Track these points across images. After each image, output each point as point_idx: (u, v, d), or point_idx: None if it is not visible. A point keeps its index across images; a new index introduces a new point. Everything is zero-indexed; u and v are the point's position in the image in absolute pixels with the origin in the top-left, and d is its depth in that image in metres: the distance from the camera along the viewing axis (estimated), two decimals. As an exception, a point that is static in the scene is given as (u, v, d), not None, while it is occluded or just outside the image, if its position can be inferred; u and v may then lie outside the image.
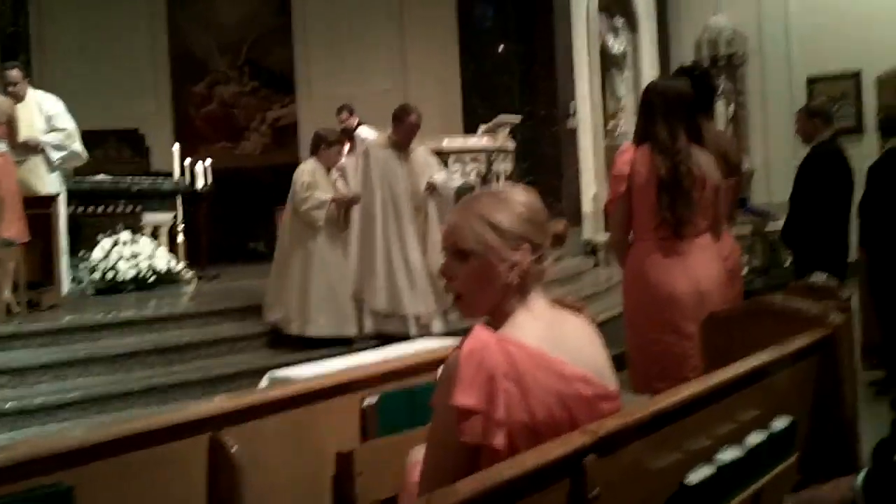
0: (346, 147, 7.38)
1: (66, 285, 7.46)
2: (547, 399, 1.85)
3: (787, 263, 10.71)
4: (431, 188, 7.13)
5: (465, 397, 1.82)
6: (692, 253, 3.86)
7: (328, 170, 6.80)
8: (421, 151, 7.34)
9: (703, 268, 3.86)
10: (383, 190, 6.98)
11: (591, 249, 11.70)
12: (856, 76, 13.43)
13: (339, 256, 6.72)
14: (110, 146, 12.23)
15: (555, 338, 1.94)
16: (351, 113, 10.82)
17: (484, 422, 1.81)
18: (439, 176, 7.27)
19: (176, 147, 10.14)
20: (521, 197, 2.02)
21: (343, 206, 6.71)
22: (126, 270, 7.93)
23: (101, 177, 9.02)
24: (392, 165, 7.05)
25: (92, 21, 14.65)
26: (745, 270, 8.49)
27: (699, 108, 4.34)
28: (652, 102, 3.94)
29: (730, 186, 4.42)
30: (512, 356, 1.85)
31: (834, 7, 13.32)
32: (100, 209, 8.59)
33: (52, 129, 7.51)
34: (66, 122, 7.62)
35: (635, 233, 3.98)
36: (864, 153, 6.88)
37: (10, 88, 7.33)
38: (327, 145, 6.75)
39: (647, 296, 3.89)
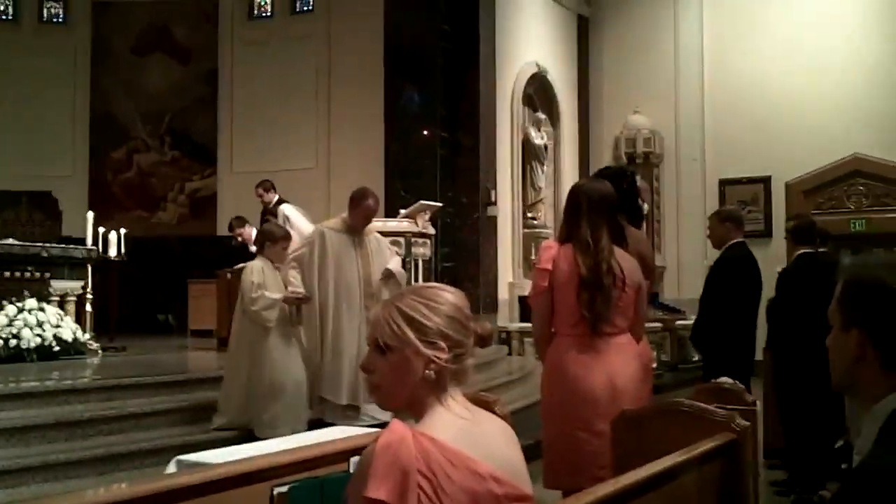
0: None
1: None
2: (460, 497, 1.87)
3: (696, 359, 10.98)
4: (388, 275, 6.86)
5: (378, 490, 1.82)
6: (609, 351, 3.93)
7: (276, 266, 6.56)
8: (375, 237, 7.11)
9: (619, 366, 3.93)
10: (337, 276, 6.75)
11: (506, 337, 11.80)
12: (766, 181, 14.02)
13: (291, 353, 6.45)
14: (22, 208, 11.98)
15: (471, 435, 1.97)
16: (268, 189, 10.68)
17: None
18: (394, 263, 7.01)
19: (90, 214, 9.97)
20: (445, 295, 2.06)
21: (295, 304, 6.50)
22: (30, 339, 7.69)
23: (10, 241, 8.79)
24: (347, 250, 6.82)
25: (12, 77, 14.45)
26: (654, 365, 8.67)
27: (626, 211, 4.47)
28: (578, 203, 4.03)
29: (646, 287, 4.55)
30: (427, 452, 1.87)
31: (747, 114, 13.99)
32: (7, 273, 8.35)
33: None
34: None
35: (556, 328, 4.04)
36: (771, 256, 7.16)
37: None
38: (273, 242, 6.55)
39: (564, 391, 3.94)
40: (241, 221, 10.59)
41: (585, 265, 3.90)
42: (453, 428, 1.96)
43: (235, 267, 9.75)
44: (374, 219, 10.38)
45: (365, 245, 6.91)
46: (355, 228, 6.85)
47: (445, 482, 1.86)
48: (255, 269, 6.41)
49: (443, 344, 2.00)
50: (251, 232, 10.25)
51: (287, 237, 6.77)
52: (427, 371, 1.99)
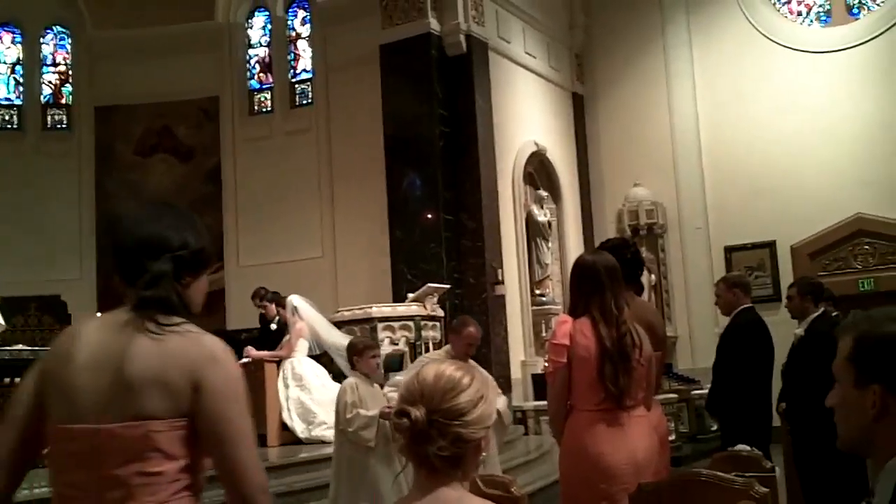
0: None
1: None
2: None
3: (714, 428, 10.87)
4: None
5: None
6: (631, 425, 3.90)
7: (370, 378, 6.24)
8: (479, 371, 6.71)
9: (640, 439, 3.90)
10: None
11: (521, 416, 11.72)
12: (771, 246, 14.08)
13: (389, 474, 5.96)
14: (31, 313, 12.04)
15: None
16: (262, 297, 10.22)
17: None
18: (501, 402, 6.43)
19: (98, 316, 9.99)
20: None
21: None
22: (47, 443, 7.67)
23: (20, 346, 8.83)
24: None
25: (18, 184, 14.67)
26: (672, 437, 8.60)
27: (630, 281, 4.50)
28: (589, 276, 4.02)
29: (657, 358, 4.53)
30: None
31: (748, 180, 14.11)
32: (17, 380, 8.36)
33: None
34: None
35: (573, 404, 3.99)
36: (781, 321, 7.14)
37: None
38: (359, 355, 6.24)
39: (585, 467, 3.88)
40: (261, 295, 10.27)
41: (610, 338, 3.88)
42: None
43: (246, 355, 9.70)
44: (383, 304, 10.55)
45: None
46: (459, 358, 6.31)
47: None
48: (349, 388, 6.07)
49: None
50: (272, 308, 10.04)
51: (372, 346, 6.47)
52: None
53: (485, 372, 6.93)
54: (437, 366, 2.06)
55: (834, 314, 6.54)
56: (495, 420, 5.76)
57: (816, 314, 6.22)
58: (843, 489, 5.69)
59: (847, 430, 1.67)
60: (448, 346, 6.63)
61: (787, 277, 12.96)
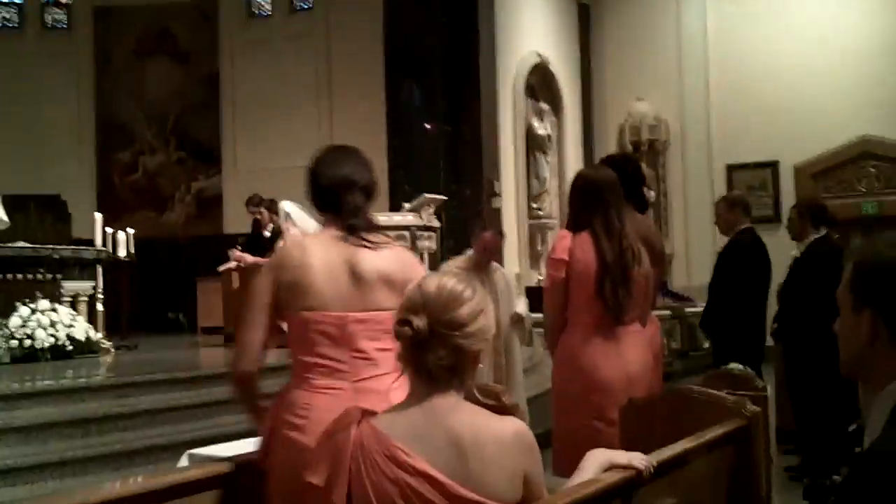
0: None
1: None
2: (384, 484, 2.00)
3: (706, 346, 10.98)
4: (517, 319, 6.44)
5: (313, 475, 2.09)
6: (626, 340, 3.90)
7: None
8: (502, 274, 6.67)
9: (634, 355, 3.91)
10: None
11: (515, 328, 11.80)
12: (774, 165, 13.95)
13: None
14: (31, 212, 12.04)
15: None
16: (257, 204, 10.14)
17: None
18: (522, 305, 6.55)
19: (98, 216, 10.04)
20: None
21: None
22: (44, 339, 7.77)
23: (21, 244, 8.87)
24: None
25: (18, 83, 14.56)
26: (664, 353, 8.68)
27: (630, 197, 4.43)
28: (592, 191, 3.97)
29: (654, 274, 4.47)
30: (361, 439, 2.05)
31: (754, 98, 13.87)
32: (19, 276, 8.43)
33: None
34: None
35: (569, 317, 3.99)
36: (780, 242, 7.12)
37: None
38: None
39: (578, 381, 3.90)
40: (261, 201, 10.20)
41: (612, 252, 3.85)
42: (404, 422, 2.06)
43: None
44: (379, 213, 10.54)
45: (493, 284, 6.45)
46: (480, 265, 6.41)
47: (372, 468, 2.00)
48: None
49: None
50: (266, 216, 9.98)
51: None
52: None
53: (508, 275, 6.97)
54: (439, 277, 2.12)
55: (834, 237, 6.50)
56: (518, 319, 5.76)
57: (816, 236, 6.17)
58: (834, 411, 5.74)
59: (845, 355, 1.69)
60: (471, 252, 6.60)
61: (788, 198, 12.91)
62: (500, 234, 6.76)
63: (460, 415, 2.06)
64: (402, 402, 2.11)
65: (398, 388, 2.34)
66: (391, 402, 2.33)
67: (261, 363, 2.81)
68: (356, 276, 2.66)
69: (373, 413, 2.11)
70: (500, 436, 2.04)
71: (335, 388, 2.63)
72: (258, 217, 10.28)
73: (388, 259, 2.71)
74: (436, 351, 2.02)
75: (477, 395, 2.17)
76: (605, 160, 4.87)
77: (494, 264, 6.67)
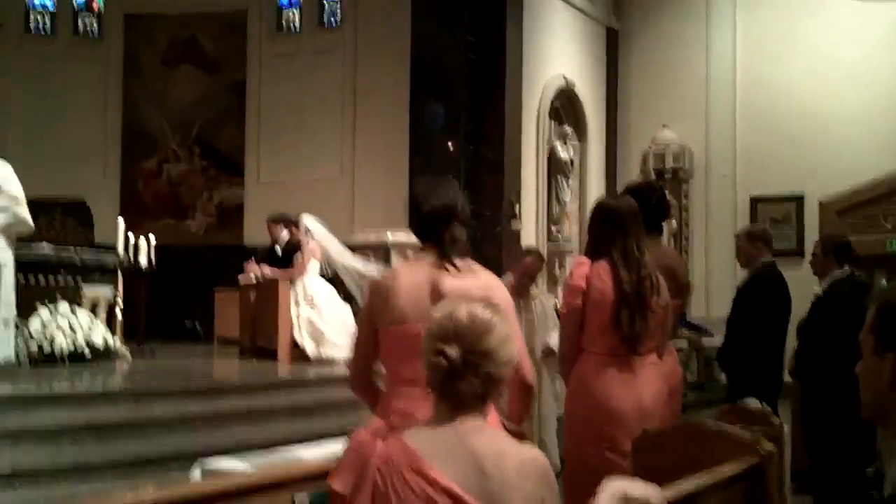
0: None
1: (8, 351, 7.36)
2: (409, 497, 2.01)
3: (722, 378, 10.88)
4: (548, 353, 6.28)
5: (337, 482, 2.08)
6: (641, 371, 3.89)
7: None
8: (540, 300, 6.60)
9: (648, 386, 3.90)
10: None
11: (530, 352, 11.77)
12: (799, 199, 13.74)
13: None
14: (55, 216, 12.13)
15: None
16: (277, 222, 10.22)
17: None
18: (555, 337, 6.06)
19: (121, 221, 10.13)
20: None
21: None
22: (62, 343, 7.82)
23: (44, 245, 8.95)
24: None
25: (47, 88, 14.73)
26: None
27: (653, 227, 4.44)
28: (611, 219, 3.97)
29: (676, 305, 4.45)
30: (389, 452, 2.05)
31: (781, 130, 13.72)
32: (41, 279, 8.50)
33: (-1, 193, 7.47)
34: (14, 186, 7.53)
35: (585, 346, 3.98)
36: (803, 277, 7.05)
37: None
38: None
39: (591, 409, 3.88)
40: (275, 219, 10.31)
41: (629, 281, 3.84)
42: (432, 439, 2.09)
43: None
44: (398, 230, 10.56)
45: (531, 310, 6.44)
46: (519, 291, 6.34)
47: (399, 482, 2.02)
48: None
49: None
50: (282, 232, 10.08)
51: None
52: None
53: (547, 304, 6.89)
54: (469, 306, 2.14)
55: (857, 274, 6.42)
56: (549, 353, 5.69)
57: (838, 274, 6.10)
58: (850, 453, 5.66)
59: (866, 398, 1.67)
60: (511, 278, 6.56)
61: (812, 233, 12.66)
62: (540, 260, 6.71)
63: (484, 438, 2.10)
64: (429, 421, 2.14)
65: None
66: None
67: (372, 370, 3.24)
68: (437, 295, 2.92)
69: (397, 428, 2.15)
70: (522, 461, 2.08)
71: (415, 396, 2.82)
72: (272, 231, 10.43)
73: (469, 280, 3.03)
74: (468, 379, 2.07)
75: (501, 419, 2.22)
76: (629, 188, 4.85)
77: (535, 290, 6.60)
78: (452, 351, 2.06)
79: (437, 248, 3.06)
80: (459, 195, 3.22)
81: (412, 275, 3.04)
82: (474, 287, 2.98)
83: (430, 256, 3.06)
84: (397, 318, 2.97)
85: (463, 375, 2.07)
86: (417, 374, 2.76)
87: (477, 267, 3.15)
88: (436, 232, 3.07)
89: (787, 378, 6.50)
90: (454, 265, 3.03)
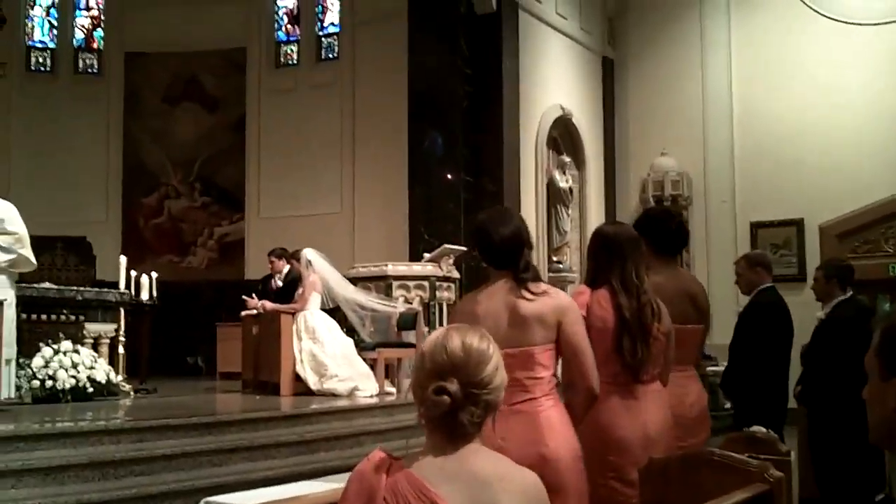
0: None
1: (9, 391, 7.35)
2: None
3: (727, 406, 10.80)
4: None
5: None
6: (645, 399, 3.86)
7: None
8: None
9: (653, 414, 3.86)
10: None
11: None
12: (799, 224, 13.74)
13: None
14: (57, 253, 12.18)
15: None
16: (279, 257, 10.76)
17: None
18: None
19: (123, 259, 10.16)
20: None
21: None
22: (65, 380, 7.82)
23: (46, 285, 8.98)
24: None
25: (49, 126, 14.85)
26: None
27: (671, 252, 4.45)
28: (610, 247, 3.94)
29: (697, 331, 4.43)
30: (396, 481, 2.05)
31: (779, 155, 13.77)
32: (43, 317, 8.52)
33: (3, 233, 7.50)
34: (18, 226, 7.59)
35: None
36: (804, 302, 7.04)
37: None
38: None
39: (595, 438, 3.80)
40: (278, 255, 10.70)
41: (630, 308, 3.80)
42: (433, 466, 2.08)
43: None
44: (399, 263, 10.59)
45: None
46: None
47: None
48: None
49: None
50: (282, 265, 10.45)
51: None
52: None
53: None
54: (460, 336, 2.12)
55: (860, 299, 6.40)
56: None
57: (841, 298, 6.10)
58: (859, 479, 5.62)
59: (873, 422, 1.66)
60: None
61: (813, 257, 12.68)
62: None
63: (484, 460, 2.10)
64: (429, 449, 2.13)
65: (545, 410, 3.22)
66: (541, 422, 3.21)
67: None
68: (515, 318, 3.23)
69: (398, 458, 2.14)
70: (524, 484, 2.10)
71: None
72: (270, 265, 10.51)
73: (545, 303, 3.28)
74: (468, 410, 2.07)
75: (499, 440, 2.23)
76: (649, 214, 4.82)
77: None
78: (453, 386, 2.05)
79: (512, 275, 3.31)
80: (523, 222, 3.46)
81: (490, 301, 3.29)
82: (548, 309, 3.27)
83: (506, 282, 3.31)
84: None
85: (464, 407, 2.06)
86: None
87: (551, 289, 3.39)
88: (510, 259, 3.33)
89: (792, 403, 6.48)
90: (529, 290, 3.27)
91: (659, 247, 4.42)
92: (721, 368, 7.79)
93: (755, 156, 14.10)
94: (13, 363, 7.45)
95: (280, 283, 10.40)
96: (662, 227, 4.27)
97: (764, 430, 3.71)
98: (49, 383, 7.78)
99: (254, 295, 10.09)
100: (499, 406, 2.13)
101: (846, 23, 13.80)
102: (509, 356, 2.96)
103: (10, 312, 7.42)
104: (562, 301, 3.38)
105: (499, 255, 3.37)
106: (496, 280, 3.36)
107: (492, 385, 2.09)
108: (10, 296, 7.47)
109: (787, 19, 14.11)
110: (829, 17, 13.91)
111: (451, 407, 2.05)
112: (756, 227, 14.08)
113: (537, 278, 3.36)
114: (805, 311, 6.61)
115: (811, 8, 14.01)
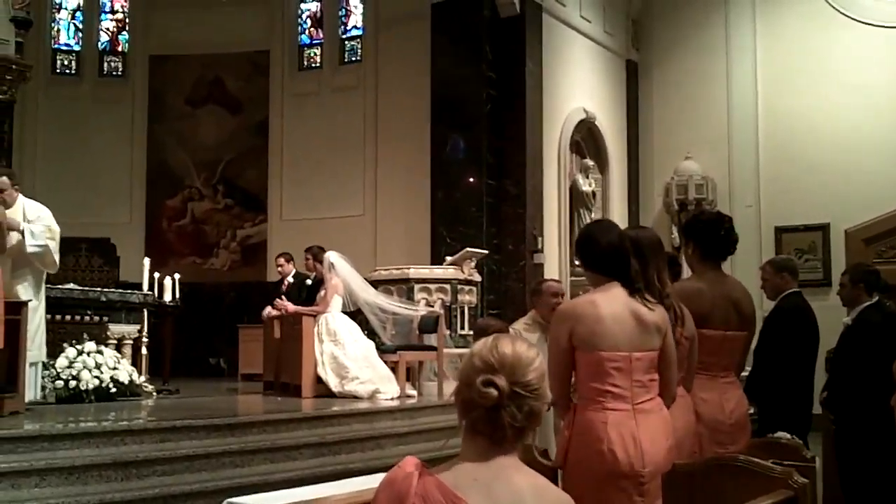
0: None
1: (35, 393, 7.40)
2: None
3: (751, 411, 10.72)
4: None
5: None
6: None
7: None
8: None
9: (675, 419, 3.72)
10: None
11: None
12: (824, 228, 13.60)
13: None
14: (81, 254, 12.28)
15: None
16: (288, 261, 10.99)
17: None
18: None
19: (147, 261, 10.21)
20: None
21: None
22: (89, 381, 7.87)
23: (70, 286, 9.04)
24: (542, 350, 6.08)
25: (73, 128, 14.96)
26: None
27: (716, 257, 4.42)
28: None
29: (740, 338, 4.42)
30: (427, 489, 2.02)
31: (804, 159, 13.65)
32: (67, 317, 8.58)
33: (37, 221, 7.56)
34: (52, 223, 7.66)
35: None
36: (830, 307, 6.97)
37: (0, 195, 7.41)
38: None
39: None
40: (287, 258, 10.96)
41: None
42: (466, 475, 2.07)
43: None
44: (421, 266, 10.60)
45: None
46: (546, 325, 6.17)
47: None
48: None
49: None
50: (290, 268, 10.77)
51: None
52: None
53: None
54: (509, 341, 2.14)
55: (887, 304, 6.32)
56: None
57: (868, 303, 6.04)
58: (885, 486, 5.57)
59: None
60: (532, 313, 6.52)
61: (838, 262, 12.57)
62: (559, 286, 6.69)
63: (522, 475, 2.09)
64: (464, 457, 2.11)
65: (664, 408, 3.40)
66: (664, 418, 3.38)
67: (568, 389, 3.52)
68: (640, 324, 3.38)
69: (429, 466, 2.12)
70: (558, 502, 2.09)
71: (621, 409, 3.30)
72: (279, 268, 10.94)
73: (660, 314, 3.47)
74: (511, 412, 2.06)
75: (538, 456, 2.20)
76: (700, 218, 4.75)
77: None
78: (501, 381, 2.05)
79: (622, 281, 3.44)
80: (625, 232, 3.64)
81: (611, 305, 3.38)
82: (660, 318, 3.45)
83: (616, 288, 3.43)
84: (608, 345, 3.33)
85: (508, 406, 2.05)
86: (623, 391, 3.33)
87: (654, 300, 3.54)
88: (619, 266, 3.47)
89: (816, 409, 6.41)
90: (648, 298, 3.45)
91: (706, 251, 4.42)
92: (746, 374, 7.73)
93: (780, 160, 13.98)
94: (39, 365, 7.50)
95: (289, 282, 10.60)
96: (711, 231, 4.26)
97: (788, 436, 3.68)
98: (73, 383, 7.83)
99: (283, 297, 10.13)
100: (539, 420, 2.11)
101: (872, 25, 13.66)
102: (636, 359, 3.36)
103: (37, 316, 7.46)
104: (666, 315, 3.53)
105: (605, 261, 3.48)
106: (608, 287, 3.44)
107: (538, 391, 2.09)
108: (37, 298, 7.51)
109: (812, 22, 13.99)
110: (854, 20, 13.77)
111: (498, 401, 2.05)
112: (781, 231, 13.95)
113: (650, 288, 3.49)
114: (831, 316, 6.54)
115: (837, 10, 13.86)
